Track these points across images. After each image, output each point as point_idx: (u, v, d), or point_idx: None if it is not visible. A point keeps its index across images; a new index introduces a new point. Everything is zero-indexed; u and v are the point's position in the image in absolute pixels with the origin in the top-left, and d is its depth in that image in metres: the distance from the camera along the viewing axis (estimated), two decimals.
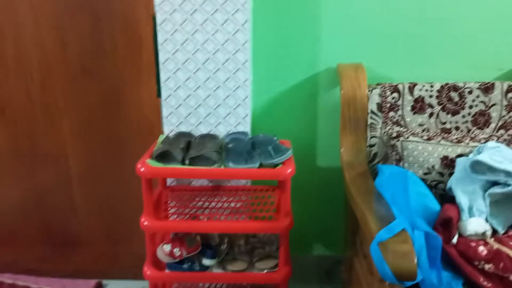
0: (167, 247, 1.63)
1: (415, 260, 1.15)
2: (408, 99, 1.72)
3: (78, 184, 2.04)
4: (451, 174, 1.52)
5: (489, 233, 1.33)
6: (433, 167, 1.56)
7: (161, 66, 1.70)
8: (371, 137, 1.73)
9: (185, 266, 1.64)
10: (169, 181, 1.87)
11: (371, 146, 1.74)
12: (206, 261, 1.65)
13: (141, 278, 2.02)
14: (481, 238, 1.33)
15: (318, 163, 1.99)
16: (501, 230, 1.37)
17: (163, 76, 1.72)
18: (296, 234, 1.78)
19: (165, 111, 1.76)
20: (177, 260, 1.63)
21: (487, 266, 1.25)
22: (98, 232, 2.10)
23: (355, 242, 1.73)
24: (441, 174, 1.55)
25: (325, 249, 2.12)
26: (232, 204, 1.72)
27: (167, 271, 1.66)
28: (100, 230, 2.10)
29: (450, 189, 1.48)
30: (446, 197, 1.51)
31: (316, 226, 2.08)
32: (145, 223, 1.58)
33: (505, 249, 1.27)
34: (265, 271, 1.64)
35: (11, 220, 2.10)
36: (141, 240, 1.64)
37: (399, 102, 1.72)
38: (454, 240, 1.31)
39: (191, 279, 1.68)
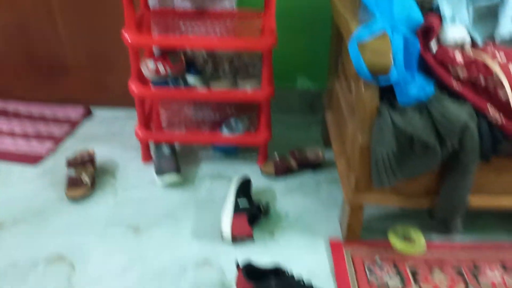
0: (151, 64, 1.65)
1: (391, 59, 1.19)
2: None
3: (60, 11, 1.98)
4: None
5: (468, 43, 1.35)
6: None
7: None
8: None
9: (170, 83, 1.67)
10: (151, 3, 1.82)
11: None
12: (191, 79, 1.68)
13: (128, 105, 2.10)
14: (459, 47, 1.35)
15: None
16: (480, 42, 1.38)
17: None
18: (281, 67, 1.80)
19: None
20: (161, 76, 1.66)
21: (461, 73, 1.29)
22: (84, 60, 2.10)
23: (337, 70, 1.75)
24: None
25: (309, 82, 2.17)
26: (217, 29, 1.69)
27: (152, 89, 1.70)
28: (86, 57, 2.09)
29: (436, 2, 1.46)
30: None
31: (301, 59, 2.09)
32: (128, 38, 1.56)
33: (481, 57, 1.30)
34: (249, 88, 1.69)
35: None
36: (128, 68, 1.65)
37: None
38: (433, 46, 1.33)
39: (176, 95, 1.73)
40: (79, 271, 1.36)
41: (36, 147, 1.88)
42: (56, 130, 1.99)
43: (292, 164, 1.81)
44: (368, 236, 1.51)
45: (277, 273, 1.28)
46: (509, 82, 1.22)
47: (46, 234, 1.49)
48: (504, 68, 1.24)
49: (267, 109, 1.75)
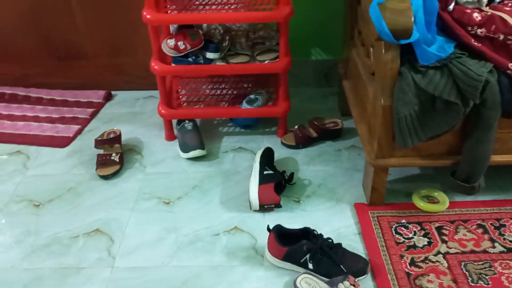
0: (171, 41, 1.68)
1: (412, 17, 1.21)
2: None
3: None
4: None
5: (485, 0, 1.36)
6: None
7: None
8: None
9: (190, 59, 1.70)
10: None
11: None
12: (210, 55, 1.71)
13: (146, 88, 2.14)
14: (477, 6, 1.36)
15: None
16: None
17: None
18: (295, 39, 1.82)
19: None
20: (182, 54, 1.69)
21: (479, 31, 1.30)
22: (101, 45, 2.13)
23: (353, 38, 1.77)
24: None
25: (323, 53, 2.18)
26: (233, 2, 1.71)
27: (173, 65, 1.73)
28: (103, 43, 2.12)
29: None
30: None
31: (314, 30, 2.11)
32: (147, 15, 1.59)
33: (498, 13, 1.31)
34: (267, 61, 1.71)
35: (11, 36, 2.11)
36: (145, 51, 1.67)
37: None
38: (451, 7, 1.34)
39: (196, 72, 1.77)
40: (117, 242, 1.42)
41: (62, 130, 1.93)
42: (79, 113, 2.04)
43: (311, 133, 1.84)
44: (392, 199, 1.55)
45: (307, 235, 1.33)
46: None
47: (82, 210, 1.55)
48: None
49: (285, 81, 1.77)
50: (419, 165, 1.44)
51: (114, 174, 1.68)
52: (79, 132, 1.94)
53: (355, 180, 1.64)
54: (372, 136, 1.44)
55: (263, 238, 1.37)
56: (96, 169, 1.68)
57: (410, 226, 1.44)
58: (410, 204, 1.51)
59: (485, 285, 1.25)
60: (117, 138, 1.77)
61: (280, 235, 1.32)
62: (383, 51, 1.28)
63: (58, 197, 1.60)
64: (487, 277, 1.27)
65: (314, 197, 1.59)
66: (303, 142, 1.83)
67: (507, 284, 1.25)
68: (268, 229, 1.35)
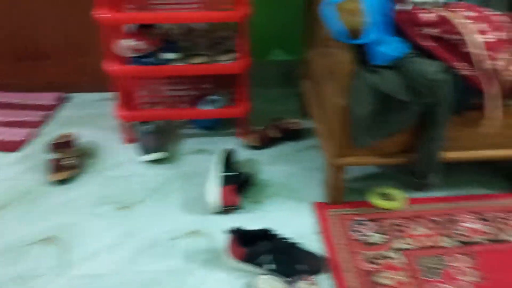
0: (128, 41, 1.64)
1: (364, 16, 1.22)
2: None
3: None
4: None
5: (437, 2, 1.40)
6: None
7: None
8: None
9: (148, 60, 1.67)
10: None
11: None
12: (169, 55, 1.69)
13: (106, 90, 2.08)
14: (433, 6, 1.40)
15: None
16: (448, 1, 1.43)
17: None
18: (257, 39, 1.83)
19: None
20: (140, 54, 1.66)
21: (431, 31, 1.34)
22: (62, 45, 2.07)
23: (312, 38, 1.78)
24: None
25: (285, 54, 2.20)
26: (192, 2, 1.69)
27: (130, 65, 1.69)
28: (64, 43, 2.06)
29: None
30: None
31: (276, 31, 2.12)
32: (101, 16, 1.56)
33: (449, 14, 1.35)
34: (226, 62, 1.70)
35: None
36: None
37: None
38: (405, 7, 1.37)
39: (154, 73, 1.74)
40: (73, 249, 1.38)
41: (14, 134, 1.86)
42: (32, 116, 1.97)
43: (273, 134, 1.85)
44: (351, 197, 1.57)
45: (267, 235, 1.33)
46: (475, 37, 1.28)
47: (35, 216, 1.49)
48: (470, 25, 1.29)
49: (245, 81, 1.77)
50: (376, 164, 1.47)
51: (69, 179, 1.62)
52: (31, 135, 1.87)
53: (316, 180, 1.65)
54: (331, 136, 1.46)
55: (223, 240, 1.36)
56: (50, 174, 1.62)
57: (367, 223, 1.47)
58: (368, 201, 1.54)
59: (438, 279, 1.28)
60: (71, 141, 1.72)
61: (239, 236, 1.32)
62: (338, 51, 1.29)
63: (10, 203, 1.54)
64: (439, 271, 1.31)
65: (275, 197, 1.59)
66: (265, 143, 1.83)
67: (458, 278, 1.29)
68: (228, 231, 1.34)
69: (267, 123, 1.88)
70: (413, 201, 1.56)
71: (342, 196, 1.54)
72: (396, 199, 1.54)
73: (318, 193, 1.59)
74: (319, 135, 1.59)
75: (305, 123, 1.90)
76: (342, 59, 1.29)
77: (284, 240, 1.31)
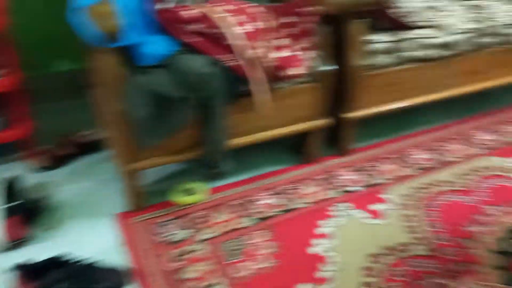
0: None
1: (117, 18, 1.19)
2: None
3: None
4: None
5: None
6: None
7: None
8: None
9: None
10: None
11: None
12: None
13: None
14: (196, 4, 1.44)
15: None
16: None
17: None
18: (32, 51, 1.67)
19: None
20: None
21: (194, 27, 1.38)
22: None
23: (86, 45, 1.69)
24: None
25: (69, 63, 2.05)
26: None
27: None
28: None
29: None
30: None
31: (54, 40, 1.96)
32: None
33: (209, 10, 1.41)
34: None
35: None
36: None
37: None
38: (166, 5, 1.38)
39: None
40: None
41: None
42: None
43: (64, 151, 1.71)
44: (154, 200, 1.55)
45: (59, 263, 1.22)
46: (234, 30, 1.36)
47: None
48: (229, 18, 1.38)
49: (21, 99, 1.60)
50: (168, 163, 1.48)
51: None
52: None
53: (116, 190, 1.59)
54: (117, 143, 1.41)
55: (9, 280, 1.21)
56: None
57: (172, 222, 1.47)
58: (169, 200, 1.54)
59: (239, 259, 1.36)
60: None
61: (27, 271, 1.18)
62: (103, 56, 1.24)
63: None
64: (239, 251, 1.38)
65: (74, 218, 1.48)
66: (57, 161, 1.69)
67: (257, 253, 1.38)
68: (13, 268, 1.19)
69: (57, 140, 1.73)
70: (215, 190, 1.61)
71: (143, 201, 1.52)
72: (197, 192, 1.58)
73: (119, 204, 1.54)
74: (109, 143, 1.53)
75: (100, 134, 1.81)
76: (107, 63, 1.25)
77: (79, 263, 1.22)
